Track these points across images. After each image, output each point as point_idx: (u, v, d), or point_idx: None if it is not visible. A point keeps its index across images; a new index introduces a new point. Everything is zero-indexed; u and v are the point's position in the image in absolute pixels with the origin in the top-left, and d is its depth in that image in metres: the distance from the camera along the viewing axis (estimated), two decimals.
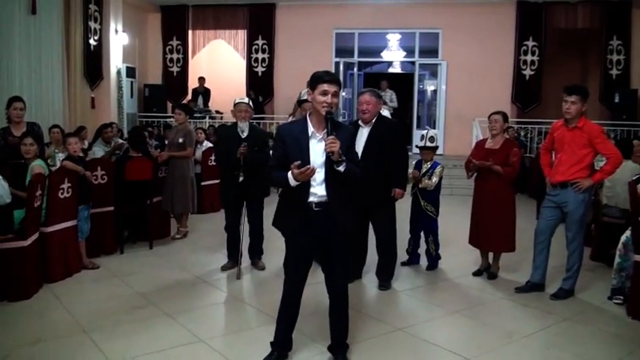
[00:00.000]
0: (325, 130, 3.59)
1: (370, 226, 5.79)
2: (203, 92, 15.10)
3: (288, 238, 3.86)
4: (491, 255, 6.14)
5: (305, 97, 5.84)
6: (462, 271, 6.23)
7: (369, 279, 5.88)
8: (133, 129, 8.16)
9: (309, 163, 3.56)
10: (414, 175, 6.25)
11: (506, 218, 5.86)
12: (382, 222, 5.67)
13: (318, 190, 3.66)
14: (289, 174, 3.52)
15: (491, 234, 5.89)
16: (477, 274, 6.12)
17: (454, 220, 7.48)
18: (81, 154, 6.47)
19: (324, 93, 3.58)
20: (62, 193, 5.78)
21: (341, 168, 3.53)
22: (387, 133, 5.51)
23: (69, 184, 5.84)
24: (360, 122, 5.60)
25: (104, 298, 5.28)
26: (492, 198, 5.83)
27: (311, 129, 3.69)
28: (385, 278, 5.77)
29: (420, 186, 6.24)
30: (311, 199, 3.67)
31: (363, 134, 5.51)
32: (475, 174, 6.02)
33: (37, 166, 5.65)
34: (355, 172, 3.66)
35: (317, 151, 3.64)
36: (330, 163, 3.56)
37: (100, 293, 5.44)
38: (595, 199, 6.91)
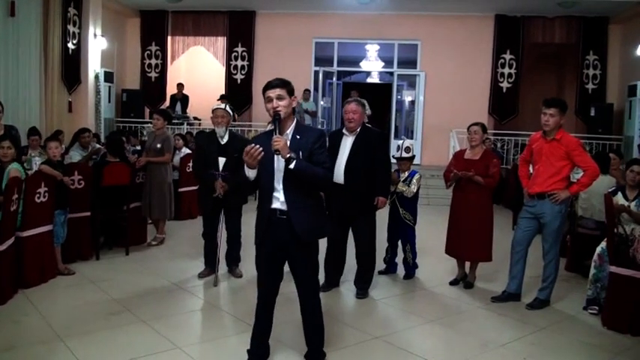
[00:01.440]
0: (279, 129, 3.62)
1: (349, 234, 5.80)
2: (181, 98, 15.01)
3: (256, 245, 3.94)
4: (467, 264, 6.19)
5: None
6: (438, 281, 6.26)
7: (347, 287, 5.89)
8: (110, 134, 8.10)
9: (272, 166, 3.63)
10: (392, 177, 6.27)
11: (484, 228, 5.91)
12: (363, 231, 5.69)
13: (281, 196, 3.67)
14: (245, 169, 3.60)
15: (469, 243, 5.93)
16: (453, 283, 6.16)
17: (431, 230, 7.54)
18: (60, 159, 6.41)
19: (269, 100, 3.66)
20: (39, 198, 5.71)
21: (291, 166, 3.52)
22: (371, 142, 5.54)
23: (46, 189, 5.77)
24: (344, 131, 5.62)
25: (80, 305, 5.22)
26: (471, 208, 5.88)
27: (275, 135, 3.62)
28: (363, 286, 5.78)
29: (397, 191, 6.24)
30: (275, 205, 3.69)
31: (347, 143, 5.54)
32: (454, 184, 6.06)
33: (14, 169, 5.58)
34: (313, 172, 3.63)
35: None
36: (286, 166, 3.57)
37: (75, 299, 5.38)
38: (570, 211, 7.00)
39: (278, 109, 3.61)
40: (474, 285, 6.07)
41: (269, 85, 3.69)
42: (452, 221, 6.14)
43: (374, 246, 5.82)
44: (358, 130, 5.56)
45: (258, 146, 3.50)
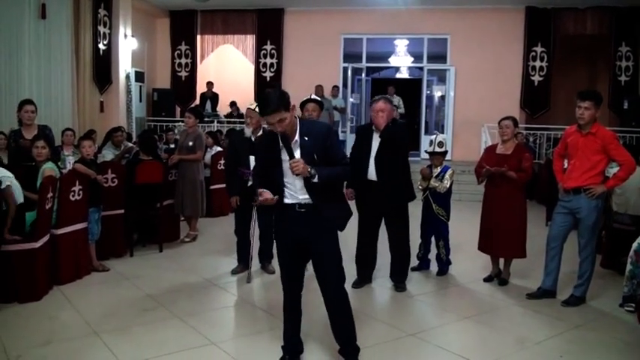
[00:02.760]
0: (296, 139, 3.60)
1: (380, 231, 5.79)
2: (211, 97, 15.16)
3: (275, 240, 3.95)
4: (501, 261, 6.12)
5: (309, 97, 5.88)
6: (472, 277, 6.21)
7: (379, 283, 5.88)
8: (143, 132, 8.18)
9: (280, 165, 3.63)
10: (422, 172, 6.22)
11: (517, 224, 5.83)
12: (397, 224, 5.70)
13: (299, 194, 3.66)
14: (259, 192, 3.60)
15: (502, 240, 5.85)
16: (487, 279, 6.09)
17: (463, 226, 7.46)
18: (93, 158, 6.48)
19: (270, 124, 3.55)
20: (73, 196, 5.79)
21: (315, 180, 3.53)
22: (397, 135, 5.52)
23: (80, 187, 5.85)
24: (373, 128, 5.59)
25: (114, 300, 5.29)
26: (504, 203, 5.80)
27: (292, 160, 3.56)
28: (401, 279, 5.80)
29: (430, 186, 6.20)
30: (290, 200, 3.69)
31: (376, 140, 5.53)
32: (485, 180, 5.99)
33: (49, 169, 5.67)
34: (334, 175, 3.67)
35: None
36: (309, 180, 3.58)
37: (110, 295, 5.45)
38: (605, 206, 6.89)
39: (283, 132, 3.53)
40: (509, 282, 6.00)
41: (264, 112, 3.55)
42: (484, 217, 6.07)
43: (408, 238, 5.82)
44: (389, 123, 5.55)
45: (269, 197, 3.55)
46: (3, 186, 5.04)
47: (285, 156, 3.60)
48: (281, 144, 3.60)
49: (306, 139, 3.60)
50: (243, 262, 6.15)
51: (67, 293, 5.42)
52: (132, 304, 5.19)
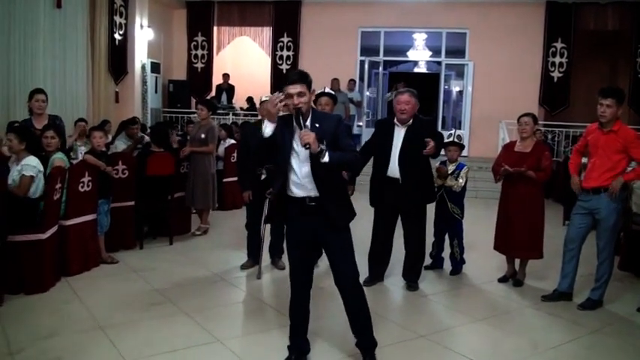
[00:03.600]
0: (304, 123, 3.53)
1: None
2: (227, 89, 15.10)
3: (286, 235, 3.91)
4: (517, 261, 5.97)
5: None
6: (486, 277, 6.07)
7: (392, 282, 5.77)
8: (156, 124, 8.09)
9: (298, 158, 3.61)
10: (439, 170, 6.10)
11: (535, 224, 5.68)
12: (415, 223, 5.59)
13: (306, 183, 3.61)
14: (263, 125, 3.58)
15: (518, 240, 5.70)
16: (502, 280, 5.95)
17: (479, 224, 7.33)
18: (104, 149, 6.42)
19: (289, 96, 3.54)
20: (82, 187, 5.73)
21: (325, 159, 3.45)
22: (424, 132, 5.40)
23: (89, 178, 5.78)
24: (396, 121, 5.47)
25: (121, 294, 5.22)
26: (521, 202, 5.65)
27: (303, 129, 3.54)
28: (413, 278, 5.69)
29: (445, 185, 6.07)
30: (302, 194, 3.64)
31: (399, 135, 5.42)
32: (503, 178, 5.85)
33: (58, 159, 5.63)
34: (348, 159, 3.65)
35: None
36: (314, 158, 3.51)
37: (117, 288, 5.38)
38: (625, 207, 6.73)
39: (299, 105, 3.53)
40: (524, 283, 5.85)
41: (288, 80, 3.59)
42: (501, 216, 5.91)
43: (424, 238, 5.72)
44: (410, 121, 5.42)
45: (279, 93, 3.53)
46: (23, 173, 5.06)
47: (296, 144, 3.59)
48: (294, 123, 3.57)
49: (317, 125, 3.58)
50: (253, 258, 6.06)
51: (75, 285, 5.37)
52: (139, 298, 5.12)
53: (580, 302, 5.26)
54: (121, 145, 8.22)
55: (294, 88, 3.53)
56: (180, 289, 5.39)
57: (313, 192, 3.61)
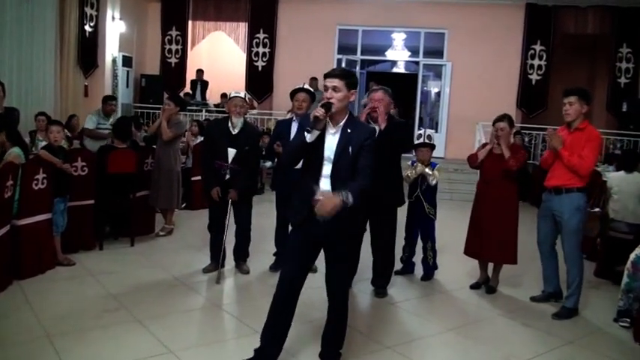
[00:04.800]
0: (339, 125, 3.50)
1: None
2: (201, 84, 14.79)
3: (292, 229, 3.76)
4: (490, 267, 5.78)
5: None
6: (458, 284, 5.88)
7: (359, 288, 5.53)
8: (119, 119, 7.77)
9: (322, 156, 3.50)
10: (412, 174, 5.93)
11: (509, 227, 5.49)
12: (385, 226, 5.37)
13: (323, 184, 3.49)
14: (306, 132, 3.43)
15: (492, 243, 5.50)
16: (474, 286, 5.76)
17: (453, 227, 7.09)
18: (62, 144, 6.12)
19: (325, 89, 3.50)
20: (37, 184, 5.42)
21: (350, 202, 3.31)
22: (396, 133, 5.18)
23: (44, 175, 5.48)
24: (370, 122, 5.23)
25: (75, 299, 4.92)
26: (495, 204, 5.46)
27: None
28: (383, 285, 5.47)
29: (424, 173, 5.89)
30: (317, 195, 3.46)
31: None
32: (481, 164, 5.68)
33: (14, 154, 5.34)
34: (364, 188, 3.47)
35: (330, 144, 3.52)
36: (338, 160, 3.46)
37: (71, 293, 5.08)
38: (602, 213, 6.61)
39: (331, 100, 3.43)
40: (497, 290, 5.67)
41: (328, 74, 3.52)
42: (474, 218, 5.73)
43: (394, 242, 5.53)
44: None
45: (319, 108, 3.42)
46: None
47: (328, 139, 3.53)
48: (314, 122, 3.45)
49: (349, 130, 3.50)
50: (216, 261, 5.79)
51: (27, 289, 5.05)
52: (93, 304, 4.82)
53: (554, 311, 5.09)
54: (90, 121, 8.11)
55: (330, 82, 3.46)
56: (136, 295, 5.10)
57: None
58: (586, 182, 5.03)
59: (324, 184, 3.48)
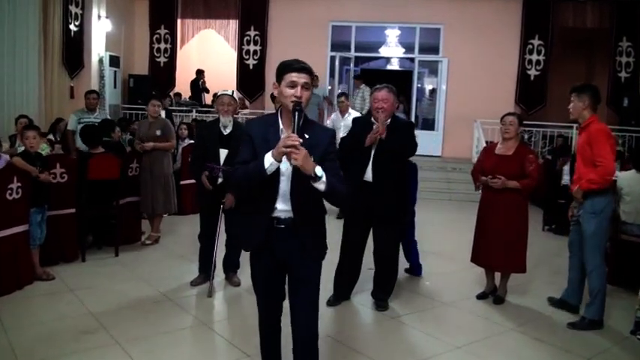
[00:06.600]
0: (293, 130, 2.78)
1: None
2: (203, 88, 14.72)
3: (251, 258, 3.10)
4: (497, 275, 5.44)
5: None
6: (464, 293, 5.53)
7: (358, 301, 5.19)
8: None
9: (277, 169, 2.83)
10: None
11: (518, 233, 5.14)
12: (389, 235, 5.01)
13: (280, 203, 2.92)
14: (266, 157, 2.76)
15: (500, 252, 5.15)
16: (481, 296, 5.42)
17: (455, 231, 6.77)
18: (40, 151, 5.74)
19: (292, 85, 2.83)
20: (11, 194, 5.05)
21: (321, 186, 2.74)
22: (401, 134, 4.85)
23: (19, 184, 5.10)
24: (373, 120, 4.90)
25: (52, 319, 4.55)
26: (503, 209, 5.09)
27: (281, 126, 2.93)
28: (384, 297, 5.11)
29: None
30: (274, 213, 2.93)
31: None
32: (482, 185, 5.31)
33: None
34: (338, 190, 2.86)
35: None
36: (299, 173, 2.76)
37: (48, 312, 4.70)
38: (613, 215, 6.28)
39: (301, 99, 2.82)
40: (505, 300, 5.32)
41: (296, 67, 2.86)
42: (480, 225, 5.36)
43: (398, 253, 5.22)
44: (388, 122, 4.85)
45: (296, 137, 2.68)
46: None
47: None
48: (280, 128, 2.90)
49: (306, 136, 2.78)
50: (205, 272, 5.43)
51: (1, 309, 4.67)
52: (71, 324, 4.45)
53: (570, 321, 4.80)
54: (71, 122, 7.96)
55: (299, 77, 2.83)
56: (118, 313, 4.72)
57: (288, 214, 2.93)
58: (601, 184, 4.68)
59: (282, 203, 2.92)
